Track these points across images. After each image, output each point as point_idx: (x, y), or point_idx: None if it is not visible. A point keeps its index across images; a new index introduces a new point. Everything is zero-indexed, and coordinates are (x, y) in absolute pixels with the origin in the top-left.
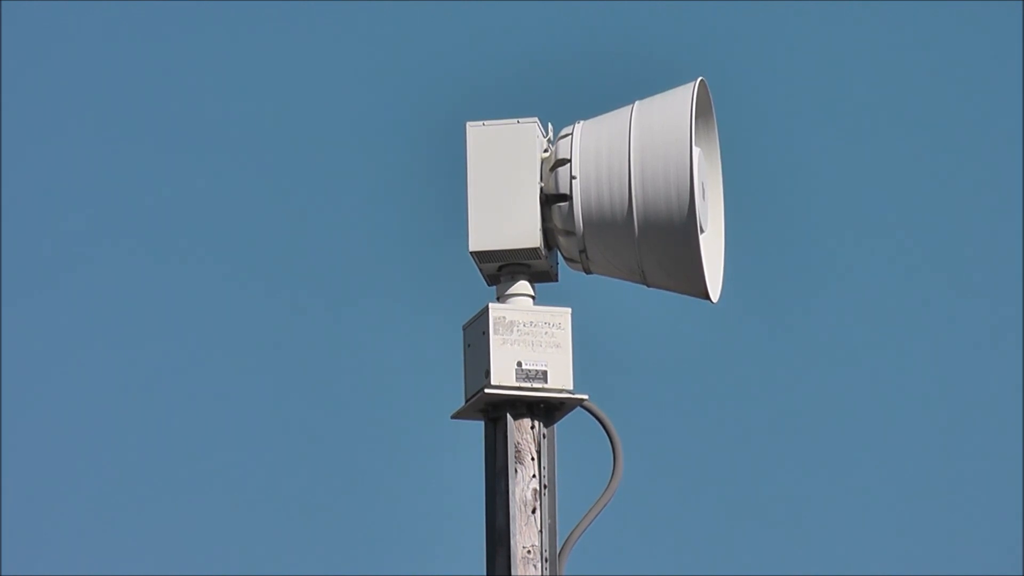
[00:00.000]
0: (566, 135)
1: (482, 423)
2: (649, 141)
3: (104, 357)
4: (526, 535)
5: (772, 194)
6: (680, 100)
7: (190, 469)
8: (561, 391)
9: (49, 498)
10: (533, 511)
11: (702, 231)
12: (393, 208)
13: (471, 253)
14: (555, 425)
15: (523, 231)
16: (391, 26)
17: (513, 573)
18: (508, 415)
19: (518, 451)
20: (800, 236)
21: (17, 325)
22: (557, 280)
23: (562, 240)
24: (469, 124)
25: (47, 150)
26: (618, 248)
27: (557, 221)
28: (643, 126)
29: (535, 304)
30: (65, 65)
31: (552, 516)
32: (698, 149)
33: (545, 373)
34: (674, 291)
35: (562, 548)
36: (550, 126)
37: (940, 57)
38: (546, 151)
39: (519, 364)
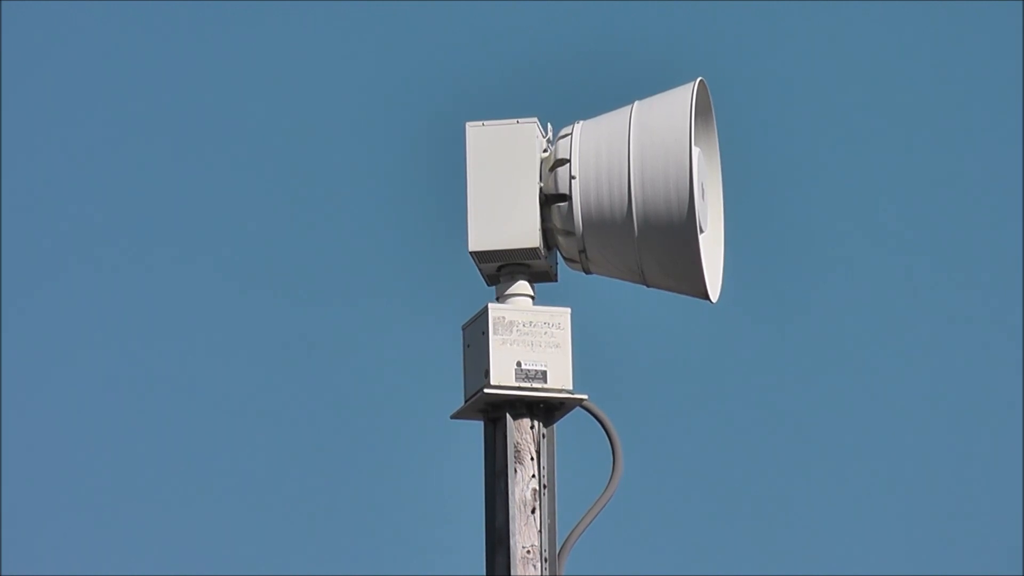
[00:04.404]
0: (566, 135)
1: (482, 423)
2: (649, 141)
3: (103, 356)
4: (526, 535)
5: (772, 194)
6: (680, 100)
7: (190, 469)
8: (561, 391)
9: (49, 498)
10: (533, 511)
11: (702, 231)
12: (393, 208)
13: (471, 253)
14: (555, 425)
15: (523, 231)
16: (391, 26)
17: (513, 573)
18: (508, 415)
19: (518, 451)
20: (800, 236)
21: (17, 324)
22: (557, 280)
23: (562, 240)
24: (469, 124)
25: (47, 150)
26: (617, 248)
27: (556, 221)
28: (643, 126)
29: (535, 304)
30: (65, 65)
31: (552, 516)
32: (698, 149)
33: (545, 373)
34: (674, 291)
35: (562, 548)
36: (550, 126)
37: (940, 57)
38: (545, 151)
39: (519, 364)
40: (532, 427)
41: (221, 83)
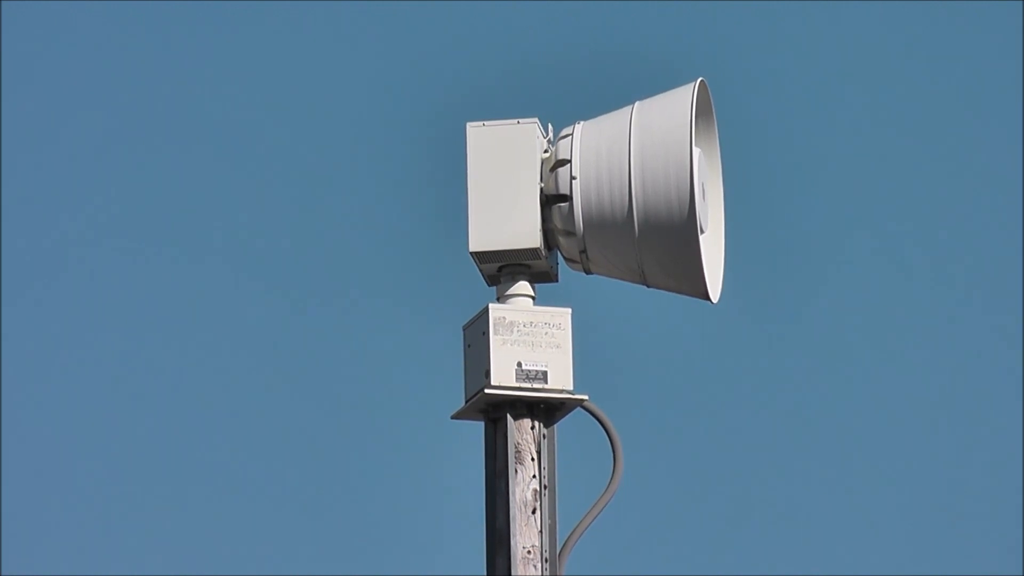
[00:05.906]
0: (566, 135)
1: (482, 423)
2: (649, 141)
3: (103, 356)
4: (526, 535)
5: (772, 194)
6: (680, 101)
7: (190, 469)
8: (561, 391)
9: (49, 498)
10: (533, 511)
11: (702, 231)
12: (393, 208)
13: (471, 253)
14: (555, 425)
15: (523, 231)
16: (391, 26)
17: (513, 573)
18: (508, 415)
19: (518, 451)
20: (800, 237)
21: (17, 324)
22: (557, 280)
23: (562, 240)
24: (469, 124)
25: (47, 150)
26: (618, 248)
27: (557, 221)
28: (643, 126)
29: (535, 304)
30: (65, 65)
31: (552, 516)
32: (698, 149)
33: (545, 373)
34: (674, 291)
35: (562, 548)
36: (550, 126)
37: (940, 57)
38: (546, 151)
39: (519, 364)
40: (533, 427)
41: (221, 83)
